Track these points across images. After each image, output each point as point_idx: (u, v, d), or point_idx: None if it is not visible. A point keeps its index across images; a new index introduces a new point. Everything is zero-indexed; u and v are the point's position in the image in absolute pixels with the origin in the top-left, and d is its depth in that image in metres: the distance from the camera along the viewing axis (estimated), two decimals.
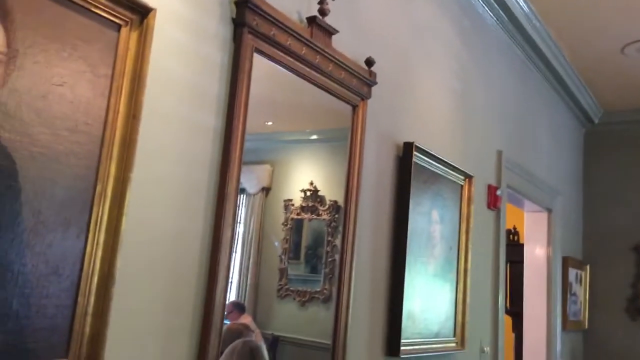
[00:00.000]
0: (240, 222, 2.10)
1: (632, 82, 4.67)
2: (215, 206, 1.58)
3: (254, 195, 2.13)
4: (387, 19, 2.55)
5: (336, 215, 2.16)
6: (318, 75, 2.00)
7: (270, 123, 2.23)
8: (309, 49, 1.93)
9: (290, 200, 2.17)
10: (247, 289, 2.15)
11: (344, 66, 2.10)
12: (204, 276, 1.54)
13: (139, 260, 1.39)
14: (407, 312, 2.47)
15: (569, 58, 4.35)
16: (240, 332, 2.05)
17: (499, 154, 3.62)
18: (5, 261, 1.13)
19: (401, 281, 2.43)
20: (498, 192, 3.49)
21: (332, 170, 2.27)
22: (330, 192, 2.19)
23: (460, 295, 2.96)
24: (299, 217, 2.18)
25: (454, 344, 2.91)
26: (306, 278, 2.23)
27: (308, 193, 2.18)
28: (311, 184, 2.18)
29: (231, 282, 2.05)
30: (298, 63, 1.91)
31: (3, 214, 1.13)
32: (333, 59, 2.04)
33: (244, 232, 2.14)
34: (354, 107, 2.20)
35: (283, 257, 2.19)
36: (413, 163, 2.54)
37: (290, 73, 1.90)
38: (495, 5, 3.46)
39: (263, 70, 1.78)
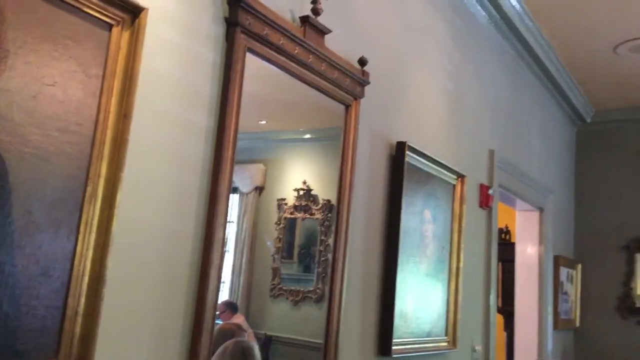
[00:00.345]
0: (233, 222, 2.10)
1: (624, 81, 4.69)
2: (207, 206, 1.58)
3: (247, 194, 2.13)
4: (380, 18, 2.55)
5: (329, 215, 2.16)
6: (311, 74, 2.00)
7: (263, 122, 2.23)
8: (302, 48, 1.92)
9: (284, 199, 2.17)
10: (240, 288, 2.15)
11: (337, 66, 2.10)
12: (196, 276, 1.54)
13: (130, 260, 1.39)
14: (399, 312, 2.47)
15: (561, 57, 4.37)
16: (232, 332, 2.05)
17: (491, 153, 3.63)
18: None
19: (393, 280, 2.44)
20: (490, 192, 3.50)
21: (325, 169, 2.27)
22: (324, 191, 2.19)
23: (452, 295, 2.97)
24: (292, 216, 2.18)
25: (445, 343, 2.92)
26: (299, 277, 2.22)
27: (301, 192, 2.18)
28: (304, 183, 2.18)
29: (224, 282, 2.04)
30: (291, 62, 1.90)
31: None
32: (326, 59, 2.04)
33: (237, 231, 2.14)
34: (347, 107, 2.20)
35: (276, 256, 2.19)
36: (406, 162, 2.54)
37: (283, 72, 1.90)
38: (488, 4, 3.47)
39: (256, 70, 1.77)
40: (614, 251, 5.11)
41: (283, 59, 1.86)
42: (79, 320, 1.25)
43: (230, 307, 2.17)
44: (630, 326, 4.99)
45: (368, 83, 2.28)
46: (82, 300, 1.26)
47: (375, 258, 2.43)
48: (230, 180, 1.62)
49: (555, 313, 4.60)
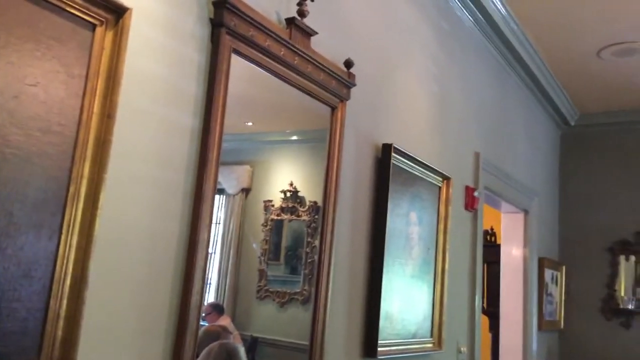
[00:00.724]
0: (219, 223, 2.09)
1: (607, 84, 4.75)
2: (191, 207, 1.57)
3: (233, 196, 2.12)
4: (366, 21, 2.56)
5: (316, 216, 2.16)
6: (297, 76, 2.00)
7: (250, 124, 2.22)
8: (288, 50, 1.92)
9: (270, 201, 2.17)
10: (227, 290, 2.14)
11: (323, 67, 2.10)
12: (180, 278, 1.53)
13: (113, 262, 1.38)
14: (385, 313, 2.48)
15: (546, 60, 4.41)
16: (218, 333, 2.04)
17: (477, 155, 3.65)
18: None
19: (379, 282, 2.44)
20: (475, 194, 3.52)
21: (312, 171, 2.27)
22: (310, 193, 2.19)
23: (437, 296, 2.98)
24: (279, 218, 2.17)
25: (431, 345, 2.93)
26: (286, 279, 2.22)
27: (288, 194, 2.18)
28: (291, 184, 2.18)
29: (210, 284, 2.04)
30: (277, 64, 1.90)
31: None
32: (312, 61, 2.04)
33: (224, 232, 2.13)
34: (333, 109, 2.21)
35: (262, 258, 2.18)
36: (391, 164, 2.55)
37: (269, 74, 1.90)
38: (473, 8, 3.49)
39: (242, 71, 1.77)
40: (598, 253, 5.16)
41: (269, 60, 1.86)
42: (61, 322, 1.24)
43: (216, 308, 2.16)
44: (614, 327, 5.03)
45: (354, 85, 2.29)
46: (64, 302, 1.24)
47: (361, 260, 2.44)
48: (216, 181, 1.61)
49: (540, 314, 4.63)
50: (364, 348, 2.40)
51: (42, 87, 1.24)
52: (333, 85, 2.17)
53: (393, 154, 2.56)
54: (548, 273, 4.83)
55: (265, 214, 2.16)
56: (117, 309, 1.39)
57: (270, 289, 2.14)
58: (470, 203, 3.48)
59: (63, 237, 1.25)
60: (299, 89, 2.03)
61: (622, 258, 5.08)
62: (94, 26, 1.34)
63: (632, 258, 5.04)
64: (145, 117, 1.48)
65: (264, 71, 1.87)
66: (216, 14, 1.67)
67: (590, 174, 5.32)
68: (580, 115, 5.43)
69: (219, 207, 2.04)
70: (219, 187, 1.87)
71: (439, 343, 2.96)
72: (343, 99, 2.24)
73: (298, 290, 2.17)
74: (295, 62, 1.96)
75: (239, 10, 1.70)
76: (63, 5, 1.27)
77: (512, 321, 4.38)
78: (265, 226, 2.17)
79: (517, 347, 4.32)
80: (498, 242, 4.89)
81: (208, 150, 1.59)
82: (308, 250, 2.18)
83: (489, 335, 5.03)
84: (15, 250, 1.17)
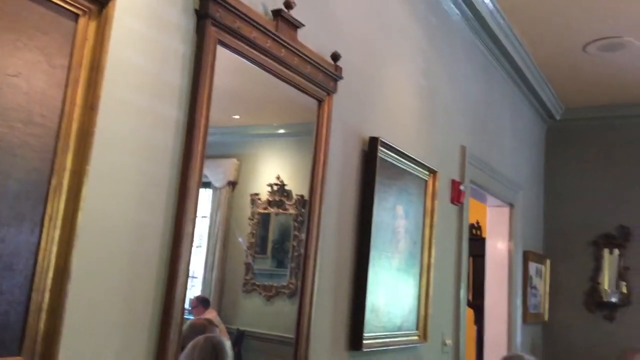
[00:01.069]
0: (206, 217, 2.08)
1: (592, 79, 4.78)
2: (176, 200, 1.56)
3: (220, 189, 2.12)
4: (354, 13, 2.55)
5: (303, 210, 2.16)
6: (283, 69, 1.99)
7: (237, 117, 2.21)
8: (274, 42, 1.91)
9: (257, 194, 2.16)
10: (213, 283, 2.13)
11: (310, 60, 2.09)
12: (164, 271, 1.52)
13: (96, 255, 1.36)
14: (371, 306, 2.49)
15: (532, 55, 4.43)
16: (203, 327, 2.03)
17: (463, 149, 3.66)
18: None
19: (365, 275, 2.44)
20: (462, 187, 3.54)
21: (299, 164, 2.26)
22: (297, 186, 2.19)
23: (423, 289, 2.99)
24: (266, 211, 2.17)
25: (416, 337, 2.94)
26: (272, 272, 2.22)
27: (275, 187, 2.17)
28: (278, 178, 2.18)
29: (196, 277, 2.03)
30: (263, 56, 1.89)
31: None
32: (299, 53, 2.03)
33: (210, 226, 2.12)
34: (320, 102, 2.20)
35: (249, 251, 2.18)
36: (378, 158, 2.55)
37: (256, 66, 1.89)
38: (461, 2, 3.49)
39: (228, 63, 1.76)
40: (582, 247, 5.21)
41: (255, 52, 1.85)
42: (43, 315, 1.23)
43: (202, 302, 2.15)
44: (597, 320, 5.10)
45: (341, 78, 2.28)
46: (47, 295, 1.23)
47: (347, 253, 2.44)
48: (201, 174, 1.60)
49: (525, 307, 4.67)
50: (349, 341, 2.41)
51: (23, 77, 1.22)
52: (320, 78, 2.16)
53: (380, 148, 2.56)
54: (532, 266, 4.87)
55: (252, 208, 2.16)
56: (100, 302, 1.38)
57: (257, 283, 2.14)
58: (457, 197, 3.49)
59: (45, 229, 1.24)
60: (285, 81, 2.02)
61: (605, 251, 5.13)
62: (76, 16, 1.32)
63: (616, 251, 5.09)
64: (128, 108, 1.46)
65: (250, 63, 1.86)
66: (201, 5, 1.65)
67: (575, 168, 5.36)
68: (566, 110, 5.46)
69: (206, 201, 2.03)
70: (205, 180, 1.86)
71: (424, 336, 2.98)
72: (330, 92, 2.23)
73: (285, 284, 2.17)
74: (282, 54, 1.95)
75: (224, 1, 1.68)
76: None
77: (496, 314, 4.42)
78: (252, 220, 2.16)
79: (502, 340, 4.36)
80: (483, 236, 4.92)
81: (193, 143, 1.58)
82: (295, 243, 2.17)
83: (474, 328, 5.07)
84: None
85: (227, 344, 2.04)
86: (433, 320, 3.05)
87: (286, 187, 2.18)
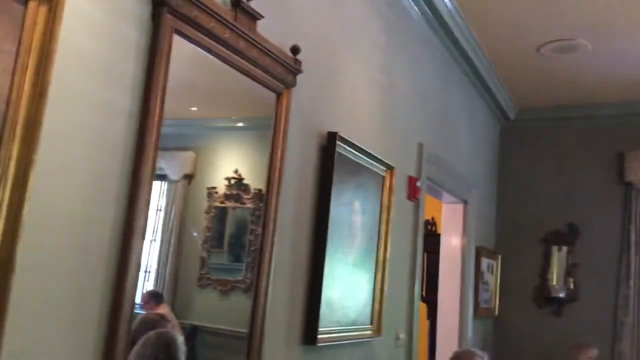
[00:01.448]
0: (161, 210, 2.04)
1: (546, 81, 4.90)
2: (128, 192, 1.52)
3: (176, 182, 2.08)
4: (314, 7, 2.54)
5: (261, 204, 2.15)
6: (242, 60, 1.97)
7: (194, 109, 2.18)
8: (233, 33, 1.88)
9: (214, 188, 2.13)
10: (166, 278, 2.09)
11: (269, 52, 2.07)
12: (114, 264, 1.48)
13: (42, 247, 1.32)
14: (326, 301, 2.49)
15: (489, 55, 4.50)
16: (155, 322, 1.99)
17: (420, 146, 3.70)
18: None
19: (321, 270, 2.45)
20: (418, 184, 3.58)
21: (257, 158, 2.24)
22: (255, 180, 2.17)
23: (378, 284, 3.01)
24: (223, 205, 2.14)
25: (370, 332, 2.97)
26: (229, 267, 2.20)
27: (232, 181, 2.15)
28: (236, 172, 2.15)
29: (149, 271, 1.99)
30: (221, 47, 1.86)
31: None
32: (257, 45, 2.01)
33: (165, 219, 2.08)
34: (279, 95, 2.18)
35: (205, 245, 2.15)
36: (336, 153, 2.55)
37: (214, 57, 1.86)
38: (421, 1, 3.52)
39: (186, 54, 1.72)
40: (532, 243, 5.34)
41: (213, 43, 1.82)
42: None
43: (155, 296, 2.11)
44: (545, 315, 5.24)
45: (300, 72, 2.27)
46: None
47: (303, 248, 2.43)
48: (154, 166, 1.57)
49: (476, 302, 4.76)
50: (304, 335, 2.41)
51: None
52: (279, 71, 2.14)
53: (338, 143, 2.56)
54: (484, 262, 4.97)
55: (209, 201, 2.12)
56: (47, 295, 1.34)
57: (212, 277, 2.11)
58: (413, 193, 3.53)
59: None
60: (243, 73, 2.00)
61: (554, 248, 5.27)
62: (26, 0, 1.27)
63: (564, 248, 5.24)
64: (79, 97, 1.41)
65: (207, 54, 1.83)
66: None
67: (527, 167, 5.49)
68: (519, 110, 5.59)
69: (161, 193, 1.99)
70: (161, 172, 1.83)
71: (378, 330, 3.01)
72: (289, 86, 2.22)
73: (241, 278, 2.15)
74: (240, 45, 1.93)
75: None
76: None
77: (449, 308, 4.49)
78: (209, 213, 2.13)
79: (454, 334, 4.43)
80: (439, 232, 4.99)
81: (146, 134, 1.54)
82: (252, 238, 2.16)
83: (427, 322, 5.16)
84: None
85: (180, 339, 2.01)
86: (387, 315, 3.08)
87: (244, 181, 2.16)
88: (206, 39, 1.79)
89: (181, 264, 2.10)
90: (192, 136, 2.18)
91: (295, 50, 2.23)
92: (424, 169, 3.70)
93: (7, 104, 1.23)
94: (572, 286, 5.18)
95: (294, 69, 2.23)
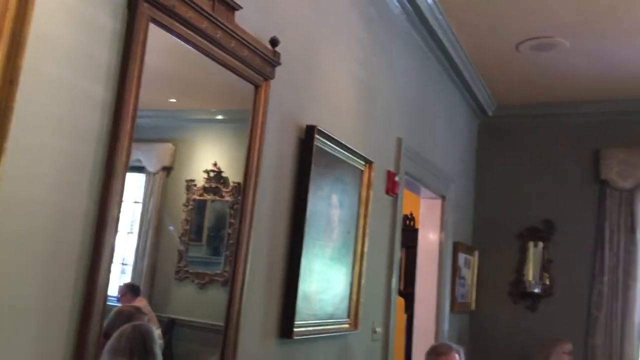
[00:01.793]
0: (139, 202, 2.02)
1: (524, 78, 4.94)
2: (101, 183, 1.50)
3: (154, 174, 2.05)
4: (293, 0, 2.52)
5: (239, 197, 2.14)
6: (220, 51, 1.95)
7: (173, 100, 2.15)
8: (211, 23, 1.86)
9: (193, 181, 2.11)
10: (144, 271, 2.07)
11: (247, 44, 2.05)
12: (87, 256, 1.46)
13: (13, 238, 1.29)
14: (303, 294, 2.49)
15: (468, 51, 4.53)
16: (131, 315, 1.97)
17: (399, 141, 3.71)
18: None
19: (298, 264, 2.44)
20: (396, 179, 3.59)
21: (237, 151, 2.23)
22: (235, 173, 2.16)
23: (355, 278, 3.02)
24: (202, 198, 2.13)
25: (347, 325, 2.97)
26: (207, 260, 2.19)
27: (212, 174, 2.13)
28: (215, 165, 2.14)
29: (126, 264, 1.97)
30: (199, 37, 1.84)
31: None
32: (236, 36, 1.99)
33: (143, 212, 2.06)
34: (257, 87, 2.17)
35: (183, 238, 2.13)
36: (315, 146, 2.55)
37: (191, 48, 1.84)
38: None
39: (164, 44, 1.70)
40: (509, 239, 5.39)
41: (190, 33, 1.80)
42: None
43: (132, 289, 2.09)
44: (520, 310, 5.30)
45: (279, 64, 2.25)
46: None
47: (281, 241, 2.43)
48: (129, 156, 1.54)
49: (453, 296, 4.80)
50: (280, 329, 2.41)
51: None
52: (257, 62, 2.13)
53: (316, 136, 2.55)
54: (461, 257, 5.01)
55: (187, 194, 2.11)
56: (18, 287, 1.31)
57: (190, 270, 2.10)
58: (391, 188, 3.54)
59: None
60: (221, 64, 1.98)
61: (530, 244, 5.33)
62: None
63: (540, 244, 5.30)
64: (52, 84, 1.38)
65: (185, 44, 1.80)
66: None
67: (505, 163, 5.54)
68: (497, 107, 5.63)
69: (138, 186, 1.97)
70: (139, 164, 1.81)
71: (355, 324, 3.02)
72: (267, 78, 2.20)
73: (219, 272, 2.14)
74: (218, 36, 1.91)
75: None
76: None
77: (426, 303, 4.52)
78: (187, 206, 2.11)
79: (430, 328, 4.47)
80: (417, 227, 5.02)
81: (121, 123, 1.51)
82: (231, 231, 2.15)
83: (404, 317, 5.19)
84: None
85: (156, 332, 1.99)
86: (364, 309, 3.09)
87: (223, 174, 2.15)
88: (184, 28, 1.77)
89: (159, 257, 2.09)
90: (171, 128, 2.16)
91: (274, 42, 2.22)
92: (402, 163, 3.72)
93: None
94: (547, 281, 5.25)
95: (273, 61, 2.22)
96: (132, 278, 2.08)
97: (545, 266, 5.28)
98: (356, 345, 3.16)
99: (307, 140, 2.54)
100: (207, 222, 2.18)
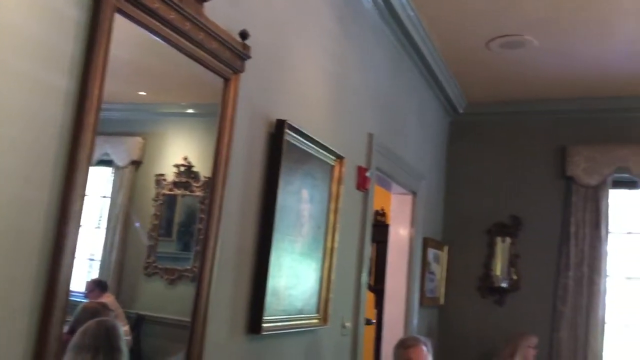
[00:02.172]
0: (107, 196, 1.98)
1: (494, 75, 4.99)
2: (64, 176, 1.46)
3: (122, 168, 2.02)
4: None
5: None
6: (188, 43, 1.92)
7: (143, 93, 2.11)
8: (179, 14, 1.83)
9: (163, 175, 2.09)
10: (112, 266, 2.04)
11: (216, 36, 2.03)
12: (48, 251, 1.43)
13: None
14: (272, 289, 2.48)
15: (439, 48, 4.55)
16: (97, 311, 1.94)
17: (370, 136, 3.72)
18: None
19: (267, 259, 2.43)
20: (367, 174, 3.60)
21: (207, 146, 2.20)
22: (205, 168, 2.13)
23: (325, 273, 3.02)
24: (172, 193, 2.10)
25: (317, 320, 2.97)
26: (177, 256, 2.16)
27: (182, 168, 2.11)
28: (185, 159, 2.11)
29: (94, 259, 1.93)
30: (166, 29, 1.81)
31: None
32: (204, 28, 1.96)
33: (111, 206, 2.02)
34: (226, 80, 2.15)
35: (152, 234, 2.10)
36: (285, 141, 2.53)
37: (160, 40, 1.80)
38: None
39: (132, 36, 1.67)
40: (478, 235, 5.46)
41: (158, 24, 1.76)
42: None
43: (99, 285, 2.05)
44: (488, 305, 5.37)
45: (249, 57, 2.23)
46: None
47: (250, 236, 2.41)
48: (92, 149, 1.51)
49: (422, 291, 4.84)
50: (248, 324, 2.39)
51: None
52: (226, 55, 2.10)
53: (287, 131, 2.54)
54: (431, 252, 5.05)
55: (157, 189, 2.07)
56: None
57: (159, 266, 2.07)
58: (362, 183, 3.54)
59: None
60: (190, 57, 1.95)
61: (498, 239, 5.41)
62: None
63: (508, 240, 5.38)
64: (12, 75, 1.34)
65: (153, 36, 1.77)
66: None
67: (474, 160, 5.60)
68: (468, 104, 5.68)
69: (106, 180, 1.94)
70: (107, 158, 1.77)
71: (324, 319, 3.02)
72: (237, 71, 2.18)
73: (189, 267, 2.11)
74: (187, 28, 1.88)
75: None
76: None
77: (395, 297, 4.56)
78: (157, 201, 2.08)
79: (399, 322, 4.50)
80: (388, 222, 5.04)
81: (84, 115, 1.48)
82: (201, 226, 2.12)
83: (374, 312, 5.22)
84: None
85: (121, 328, 1.96)
86: (334, 304, 3.10)
87: (193, 169, 2.12)
88: (151, 19, 1.73)
89: (127, 252, 2.05)
90: (141, 121, 2.12)
91: (244, 35, 2.20)
92: (373, 159, 3.72)
93: None
94: (514, 276, 5.33)
95: (243, 54, 2.19)
96: (100, 274, 2.05)
97: (513, 261, 5.36)
98: (325, 340, 3.17)
99: (277, 134, 2.53)
100: (178, 217, 2.16)
